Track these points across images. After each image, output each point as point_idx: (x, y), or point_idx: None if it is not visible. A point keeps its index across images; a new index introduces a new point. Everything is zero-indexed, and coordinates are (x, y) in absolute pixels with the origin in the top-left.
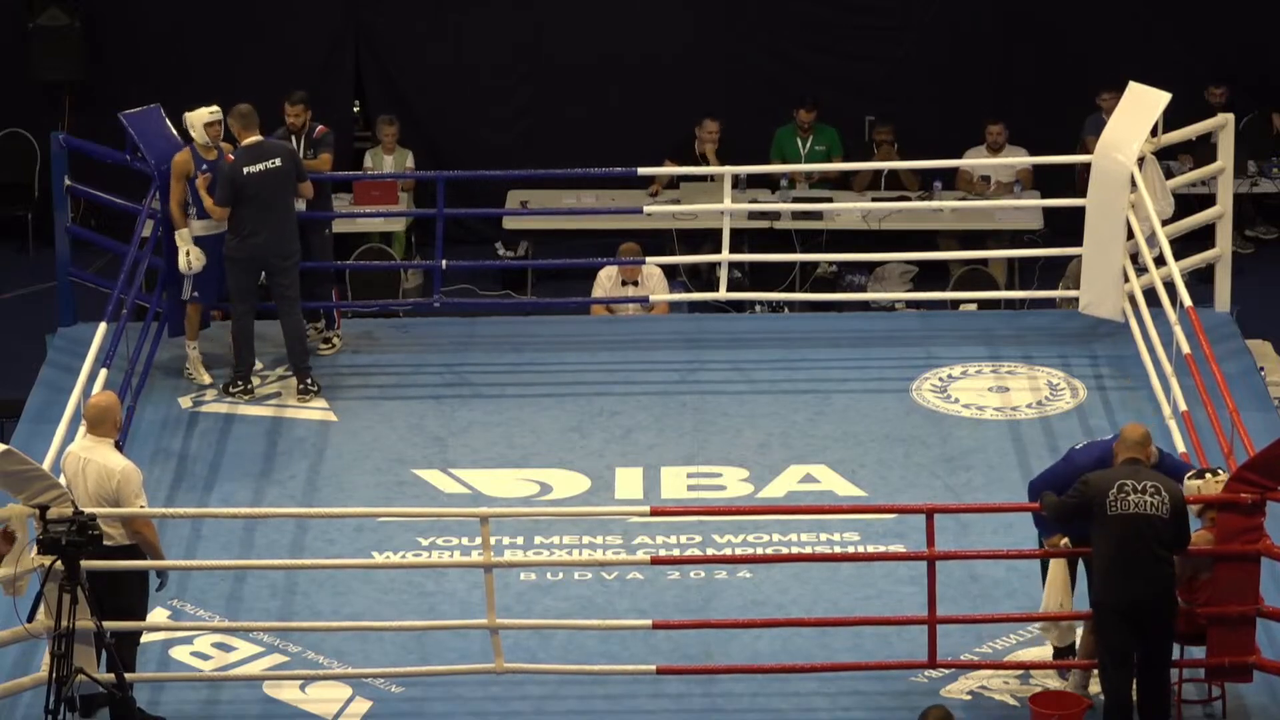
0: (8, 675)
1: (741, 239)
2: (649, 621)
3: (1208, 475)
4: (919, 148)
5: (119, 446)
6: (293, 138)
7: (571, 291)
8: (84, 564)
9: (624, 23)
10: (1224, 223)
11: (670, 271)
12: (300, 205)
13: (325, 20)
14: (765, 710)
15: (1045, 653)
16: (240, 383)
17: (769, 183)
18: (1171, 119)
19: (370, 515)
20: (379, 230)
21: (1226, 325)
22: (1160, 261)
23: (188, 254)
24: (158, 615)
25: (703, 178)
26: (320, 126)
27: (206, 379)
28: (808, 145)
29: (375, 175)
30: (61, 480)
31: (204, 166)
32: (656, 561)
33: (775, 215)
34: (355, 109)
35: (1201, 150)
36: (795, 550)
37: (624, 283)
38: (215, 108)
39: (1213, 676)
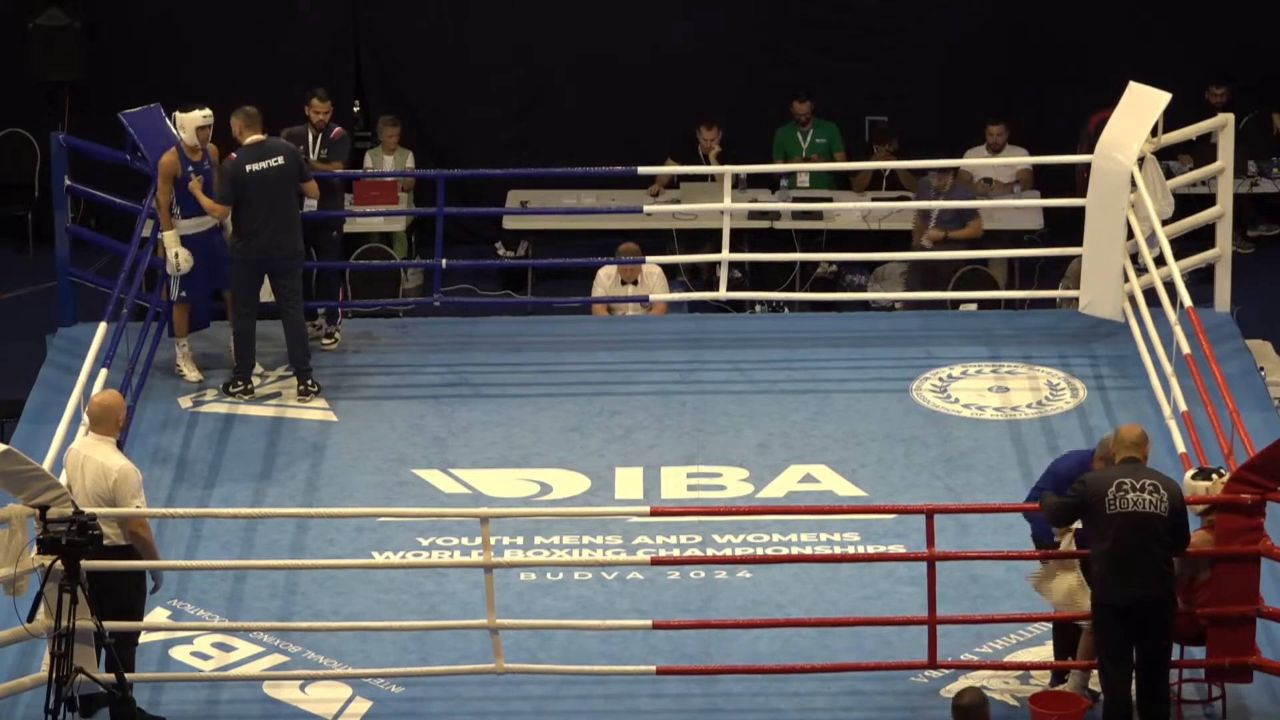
0: (8, 675)
1: (741, 239)
2: (649, 621)
3: (1214, 476)
4: (919, 148)
5: (120, 446)
6: (310, 133)
7: (571, 291)
8: (83, 564)
9: (624, 23)
10: (1224, 223)
11: (670, 271)
12: (311, 205)
13: (325, 20)
14: (765, 710)
15: (1045, 653)
16: (240, 383)
17: (769, 183)
18: (1171, 119)
19: (370, 515)
20: (379, 230)
21: (1226, 325)
22: (1160, 261)
23: (175, 255)
24: (158, 615)
25: (703, 177)
26: (338, 129)
27: (193, 376)
28: (808, 139)
29: (375, 175)
30: (62, 479)
31: (189, 168)
32: (656, 562)
33: (775, 215)
34: (355, 109)
35: (1201, 150)
36: (795, 550)
37: (624, 282)
38: (208, 111)
39: (1213, 677)
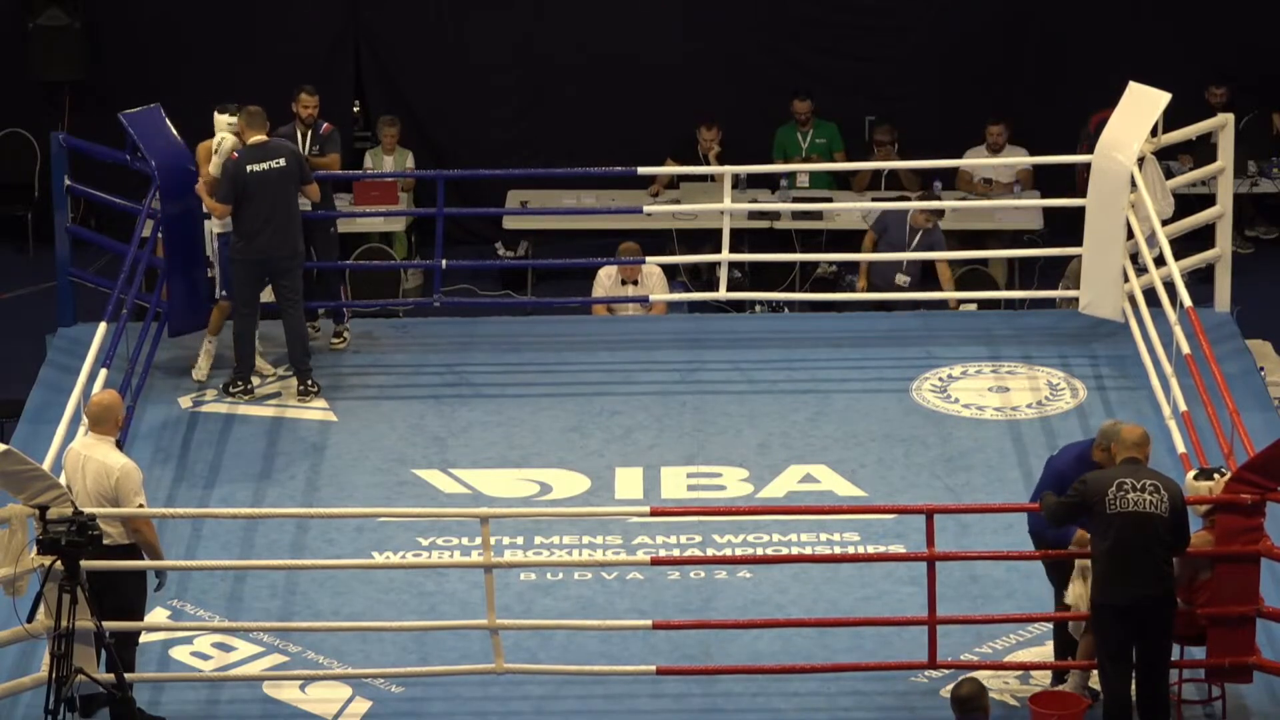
0: (8, 675)
1: (741, 239)
2: (649, 621)
3: (1215, 475)
4: (919, 148)
5: (119, 445)
6: (299, 131)
7: (571, 291)
8: (83, 564)
9: (624, 23)
10: (1224, 223)
11: (670, 271)
12: (305, 205)
13: (325, 20)
14: (765, 710)
15: (1045, 652)
16: (240, 383)
17: (769, 183)
18: (1171, 119)
19: (370, 515)
20: (379, 230)
21: (1226, 325)
22: (1160, 261)
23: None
24: (158, 615)
25: (703, 178)
26: (326, 124)
27: (204, 375)
28: (808, 139)
29: (375, 175)
30: (62, 479)
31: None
32: (656, 562)
33: (775, 215)
34: (355, 109)
35: (1201, 150)
36: (795, 550)
37: (624, 282)
38: (234, 118)
39: (1213, 677)
